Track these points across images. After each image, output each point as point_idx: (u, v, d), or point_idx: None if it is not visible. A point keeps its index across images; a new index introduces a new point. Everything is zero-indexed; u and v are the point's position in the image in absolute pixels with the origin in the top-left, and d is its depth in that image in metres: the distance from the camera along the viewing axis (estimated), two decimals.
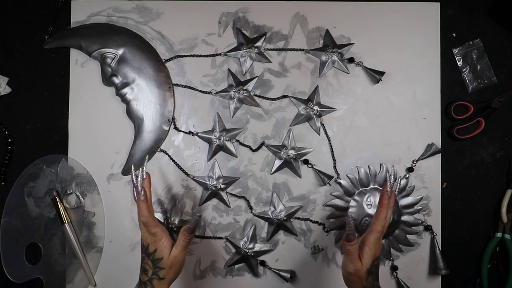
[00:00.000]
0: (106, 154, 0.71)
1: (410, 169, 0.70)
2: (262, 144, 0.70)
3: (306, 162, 0.69)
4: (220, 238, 0.70)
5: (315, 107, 0.70)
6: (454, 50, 0.71)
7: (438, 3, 0.71)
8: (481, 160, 0.71)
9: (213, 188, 0.69)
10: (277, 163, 0.70)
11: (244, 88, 0.70)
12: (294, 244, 0.70)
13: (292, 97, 0.70)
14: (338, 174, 0.70)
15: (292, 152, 0.69)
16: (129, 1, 0.71)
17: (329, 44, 0.70)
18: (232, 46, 0.71)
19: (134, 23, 0.71)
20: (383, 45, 0.71)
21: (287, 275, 0.68)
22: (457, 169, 0.71)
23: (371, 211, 0.69)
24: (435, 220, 0.70)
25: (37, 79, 0.72)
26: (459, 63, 0.71)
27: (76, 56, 0.71)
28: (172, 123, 0.71)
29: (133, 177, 0.56)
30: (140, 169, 0.56)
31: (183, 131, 0.71)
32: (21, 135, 0.71)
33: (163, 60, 0.71)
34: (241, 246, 0.69)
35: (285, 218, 0.69)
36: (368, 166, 0.70)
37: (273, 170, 0.70)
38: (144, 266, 0.56)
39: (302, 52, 0.71)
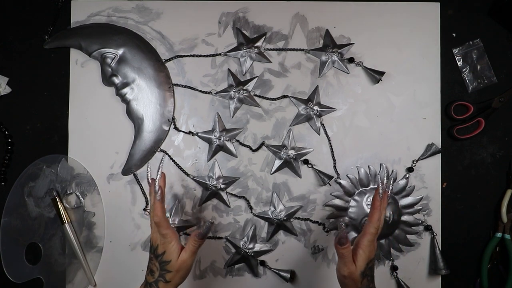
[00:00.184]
0: (106, 154, 0.71)
1: (410, 169, 0.70)
2: (262, 144, 0.70)
3: (306, 162, 0.69)
4: (220, 238, 0.70)
5: (315, 107, 0.70)
6: (454, 50, 0.71)
7: (438, 3, 0.71)
8: (481, 160, 0.71)
9: (213, 188, 0.69)
10: (277, 163, 0.70)
11: (244, 88, 0.70)
12: (294, 244, 0.70)
13: (292, 97, 0.70)
14: (338, 174, 0.70)
15: (292, 152, 0.69)
16: (129, 1, 0.71)
17: (329, 44, 0.70)
18: (232, 46, 0.71)
19: (134, 23, 0.71)
20: (383, 45, 0.71)
21: (287, 275, 0.68)
22: (457, 169, 0.71)
23: None
24: (435, 220, 0.70)
25: (37, 79, 0.72)
26: (459, 63, 0.71)
27: (76, 56, 0.71)
28: (172, 123, 0.71)
29: (149, 175, 0.57)
30: (157, 168, 0.57)
31: (183, 131, 0.71)
32: (21, 135, 0.71)
33: (163, 60, 0.71)
34: (241, 246, 0.69)
35: (285, 218, 0.69)
36: (368, 166, 0.70)
37: (273, 170, 0.70)
38: (151, 267, 0.55)
39: (302, 52, 0.71)
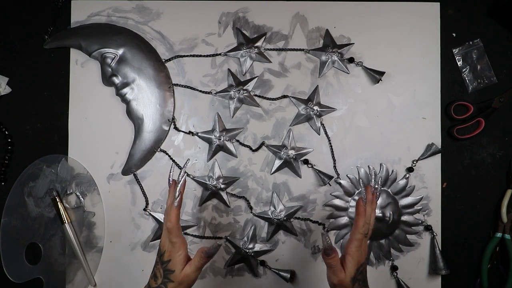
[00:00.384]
0: (106, 154, 0.71)
1: (410, 169, 0.70)
2: (262, 144, 0.70)
3: (306, 162, 0.69)
4: (220, 238, 0.70)
5: (315, 107, 0.70)
6: (454, 50, 0.71)
7: (438, 3, 0.71)
8: (481, 160, 0.71)
9: (213, 188, 0.69)
10: (277, 163, 0.70)
11: (244, 88, 0.70)
12: (294, 244, 0.70)
13: (292, 97, 0.70)
14: (338, 174, 0.70)
15: (292, 152, 0.69)
16: (129, 1, 0.71)
17: (329, 44, 0.70)
18: (232, 46, 0.71)
19: (134, 23, 0.71)
20: (383, 45, 0.71)
21: (287, 275, 0.68)
22: (457, 169, 0.71)
23: None
24: (435, 220, 0.70)
25: (37, 79, 0.72)
26: (459, 63, 0.71)
27: (76, 56, 0.71)
28: (172, 123, 0.71)
29: (170, 179, 0.55)
30: (181, 171, 0.54)
31: (183, 131, 0.71)
32: (21, 135, 0.71)
33: (163, 60, 0.71)
34: (241, 246, 0.69)
35: (285, 218, 0.69)
36: (368, 166, 0.70)
37: (273, 170, 0.70)
38: (156, 272, 0.54)
39: (302, 52, 0.71)
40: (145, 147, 0.70)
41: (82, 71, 0.71)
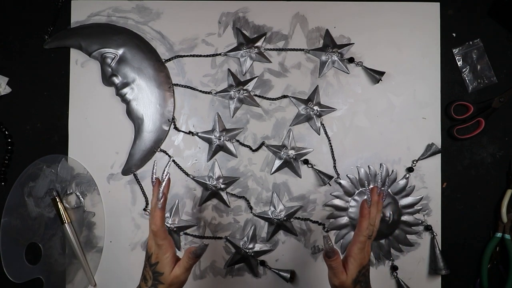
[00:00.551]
0: (106, 154, 0.71)
1: (410, 169, 0.70)
2: (262, 144, 0.70)
3: (306, 162, 0.69)
4: (220, 238, 0.70)
5: (315, 107, 0.70)
6: (454, 50, 0.71)
7: (438, 3, 0.71)
8: (481, 160, 0.71)
9: (213, 188, 0.69)
10: (277, 163, 0.70)
11: (244, 88, 0.70)
12: (294, 244, 0.70)
13: (292, 97, 0.70)
14: (338, 174, 0.70)
15: (292, 152, 0.69)
16: (129, 1, 0.71)
17: (329, 44, 0.70)
18: (232, 46, 0.71)
19: (134, 23, 0.71)
20: (383, 45, 0.71)
21: (287, 275, 0.68)
22: (457, 169, 0.71)
23: None
24: (435, 220, 0.70)
25: (37, 79, 0.72)
26: (459, 63, 0.71)
27: (76, 56, 0.71)
28: (172, 123, 0.71)
29: (153, 177, 0.53)
30: (164, 171, 0.53)
31: (183, 131, 0.71)
32: (21, 135, 0.71)
33: (163, 60, 0.71)
34: (241, 246, 0.69)
35: (285, 218, 0.69)
36: (368, 166, 0.70)
37: (273, 170, 0.70)
38: (145, 274, 0.54)
39: (302, 52, 0.71)
40: (145, 147, 0.70)
41: (82, 71, 0.71)
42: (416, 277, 0.70)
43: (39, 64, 0.72)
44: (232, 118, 0.71)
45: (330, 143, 0.70)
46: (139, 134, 0.70)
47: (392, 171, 0.70)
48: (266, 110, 0.71)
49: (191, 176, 0.70)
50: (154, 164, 0.55)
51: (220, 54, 0.71)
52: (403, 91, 0.71)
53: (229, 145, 0.70)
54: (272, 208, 0.69)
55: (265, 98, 0.71)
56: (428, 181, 0.70)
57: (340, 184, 0.70)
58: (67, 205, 0.70)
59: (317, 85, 0.70)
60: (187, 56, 0.71)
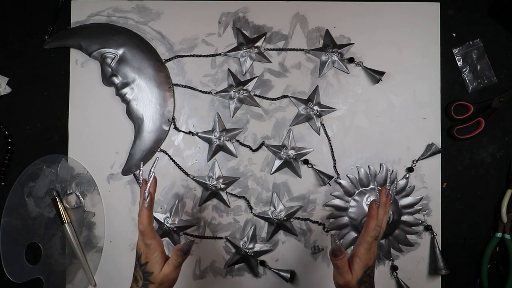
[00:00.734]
0: (106, 154, 0.71)
1: (410, 169, 0.70)
2: (262, 144, 0.70)
3: (306, 162, 0.69)
4: (220, 238, 0.70)
5: (315, 107, 0.70)
6: (454, 50, 0.71)
7: (438, 3, 0.71)
8: (481, 160, 0.71)
9: (213, 188, 0.69)
10: (277, 163, 0.70)
11: (244, 88, 0.70)
12: (294, 244, 0.70)
13: (292, 97, 0.70)
14: (338, 174, 0.70)
15: (292, 152, 0.69)
16: (129, 1, 0.71)
17: (329, 44, 0.70)
18: (232, 46, 0.71)
19: (134, 23, 0.71)
20: (383, 45, 0.71)
21: (287, 275, 0.68)
22: (457, 169, 0.71)
23: None
24: (435, 220, 0.70)
25: (37, 79, 0.72)
26: (459, 63, 0.71)
27: (76, 56, 0.71)
28: (172, 123, 0.71)
29: (140, 178, 0.54)
30: (150, 171, 0.53)
31: (183, 131, 0.71)
32: (21, 135, 0.71)
33: (163, 60, 0.71)
34: (241, 246, 0.69)
35: (285, 218, 0.69)
36: (368, 166, 0.70)
37: (273, 170, 0.70)
38: (136, 275, 0.54)
39: (302, 52, 0.71)
40: (145, 147, 0.70)
41: (82, 71, 0.71)
42: (416, 277, 0.70)
43: (39, 64, 0.72)
44: (232, 118, 0.71)
45: (330, 143, 0.70)
46: (139, 134, 0.70)
47: (392, 171, 0.70)
48: (266, 110, 0.71)
49: (191, 176, 0.70)
50: (140, 166, 0.56)
51: (220, 54, 0.71)
52: (403, 91, 0.71)
53: (229, 145, 0.70)
54: (272, 208, 0.69)
55: (265, 98, 0.71)
56: (428, 181, 0.70)
57: (340, 184, 0.70)
58: (67, 205, 0.70)
59: (317, 85, 0.70)
60: (187, 56, 0.71)
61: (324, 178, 0.69)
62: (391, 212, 0.68)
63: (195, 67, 0.71)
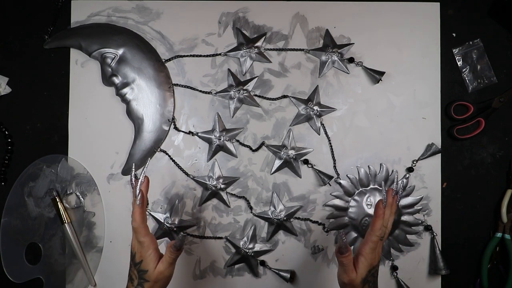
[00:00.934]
0: (106, 154, 0.71)
1: (410, 169, 0.70)
2: (262, 144, 0.70)
3: (306, 162, 0.69)
4: (220, 238, 0.70)
5: (315, 107, 0.70)
6: (454, 50, 0.71)
7: (438, 3, 0.71)
8: (481, 160, 0.71)
9: (213, 188, 0.69)
10: (277, 163, 0.70)
11: (244, 88, 0.70)
12: (294, 244, 0.70)
13: (292, 97, 0.70)
14: (338, 174, 0.70)
15: (292, 152, 0.69)
16: (129, 1, 0.71)
17: (329, 44, 0.70)
18: (232, 46, 0.71)
19: (134, 23, 0.71)
20: (383, 45, 0.71)
21: (287, 275, 0.68)
22: (457, 169, 0.71)
23: (371, 211, 0.69)
24: (435, 220, 0.70)
25: (37, 79, 0.72)
26: (459, 63, 0.71)
27: (76, 56, 0.71)
28: (172, 123, 0.71)
29: (132, 177, 0.55)
30: (141, 170, 0.55)
31: (183, 131, 0.71)
32: (21, 135, 0.71)
33: (163, 60, 0.71)
34: (241, 246, 0.69)
35: (285, 218, 0.69)
36: (368, 166, 0.70)
37: (273, 170, 0.70)
38: (131, 274, 0.55)
39: (302, 52, 0.71)
40: (145, 147, 0.70)
41: (82, 71, 0.71)
42: (416, 277, 0.70)
43: (39, 64, 0.72)
44: (232, 118, 0.71)
45: (330, 143, 0.70)
46: (139, 134, 0.70)
47: (392, 171, 0.70)
48: (266, 110, 0.71)
49: (191, 176, 0.70)
50: (132, 167, 0.56)
51: (220, 54, 0.71)
52: (403, 91, 0.71)
53: (229, 145, 0.70)
54: (272, 208, 0.69)
55: (265, 98, 0.71)
56: (428, 181, 0.70)
57: (340, 184, 0.70)
58: (67, 205, 0.70)
59: (317, 85, 0.70)
60: (187, 56, 0.71)
61: (324, 178, 0.69)
62: None
63: (195, 67, 0.71)
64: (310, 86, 0.71)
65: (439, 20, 0.71)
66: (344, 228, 0.70)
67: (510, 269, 0.69)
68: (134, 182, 0.55)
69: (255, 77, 0.71)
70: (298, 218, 0.70)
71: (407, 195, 0.70)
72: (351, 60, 0.70)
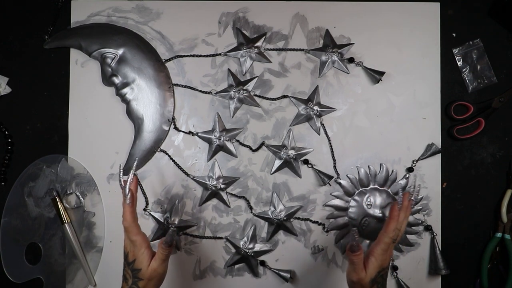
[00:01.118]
0: (106, 154, 0.71)
1: (410, 169, 0.70)
2: (262, 144, 0.70)
3: (306, 162, 0.69)
4: (220, 238, 0.70)
5: (315, 107, 0.70)
6: (454, 50, 0.71)
7: (438, 3, 0.71)
8: (481, 160, 0.71)
9: (213, 188, 0.69)
10: (277, 163, 0.70)
11: (244, 88, 0.70)
12: (294, 244, 0.70)
13: (292, 97, 0.70)
14: (338, 174, 0.70)
15: (292, 152, 0.69)
16: (129, 1, 0.71)
17: (329, 44, 0.70)
18: (232, 46, 0.71)
19: (134, 23, 0.71)
20: (383, 45, 0.71)
21: (287, 275, 0.68)
22: (457, 169, 0.71)
23: (371, 211, 0.69)
24: (435, 220, 0.70)
25: (37, 79, 0.72)
26: (459, 63, 0.71)
27: (76, 56, 0.71)
28: (172, 123, 0.71)
29: (121, 178, 0.55)
30: (131, 172, 0.55)
31: (183, 131, 0.71)
32: (21, 135, 0.71)
33: (163, 60, 0.71)
34: (241, 246, 0.69)
35: (285, 218, 0.69)
36: (368, 166, 0.70)
37: (273, 170, 0.70)
38: (125, 274, 0.55)
39: (302, 52, 0.71)
40: (145, 147, 0.70)
41: (82, 71, 0.71)
42: (416, 277, 0.70)
43: (39, 64, 0.72)
44: (232, 118, 0.71)
45: (330, 143, 0.70)
46: (139, 134, 0.70)
47: (392, 171, 0.70)
48: (266, 110, 0.71)
49: (191, 176, 0.70)
50: (119, 168, 0.56)
51: (220, 54, 0.71)
52: (403, 91, 0.71)
53: (229, 145, 0.70)
54: (272, 208, 0.69)
55: (265, 98, 0.71)
56: (428, 181, 0.70)
57: (340, 184, 0.70)
58: (67, 205, 0.70)
59: (317, 85, 0.70)
60: (187, 56, 0.71)
61: (324, 178, 0.69)
62: None
63: (195, 67, 0.71)
64: (310, 86, 0.71)
65: (439, 20, 0.71)
66: (343, 228, 0.70)
67: (510, 269, 0.69)
68: (123, 183, 0.55)
69: (255, 77, 0.71)
70: (298, 218, 0.70)
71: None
72: (351, 60, 0.70)
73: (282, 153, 0.69)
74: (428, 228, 0.70)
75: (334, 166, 0.70)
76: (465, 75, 0.71)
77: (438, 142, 0.70)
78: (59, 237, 0.70)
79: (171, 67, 0.71)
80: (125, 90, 0.69)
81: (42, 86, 0.71)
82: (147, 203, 0.70)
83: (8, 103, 0.71)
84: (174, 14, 0.71)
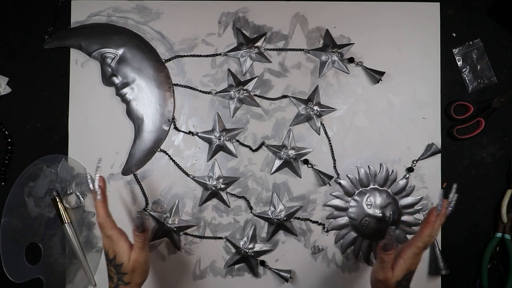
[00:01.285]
0: (106, 154, 0.71)
1: (410, 169, 0.70)
2: (262, 144, 0.70)
3: (306, 162, 0.69)
4: (220, 238, 0.70)
5: (315, 107, 0.70)
6: (454, 50, 0.71)
7: (438, 3, 0.71)
8: (481, 160, 0.71)
9: (213, 188, 0.69)
10: (277, 163, 0.70)
11: (244, 88, 0.70)
12: (294, 244, 0.70)
13: (292, 97, 0.70)
14: (338, 174, 0.70)
15: (292, 152, 0.69)
16: (129, 1, 0.71)
17: (329, 44, 0.70)
18: (232, 46, 0.71)
19: (134, 23, 0.71)
20: (383, 45, 0.71)
21: (287, 275, 0.68)
22: (457, 169, 0.71)
23: (371, 211, 0.69)
24: None
25: (37, 79, 0.72)
26: (459, 63, 0.71)
27: (76, 56, 0.71)
28: (172, 123, 0.71)
29: (89, 180, 0.56)
30: (96, 171, 0.56)
31: (183, 131, 0.71)
32: (21, 135, 0.71)
33: (163, 60, 0.71)
34: (241, 246, 0.69)
35: (285, 218, 0.69)
36: (368, 166, 0.70)
37: (273, 170, 0.70)
38: (109, 273, 0.55)
39: (302, 52, 0.71)
40: (145, 147, 0.70)
41: (82, 71, 0.71)
42: (416, 277, 0.69)
43: (39, 64, 0.72)
44: (232, 118, 0.71)
45: (330, 143, 0.70)
46: (139, 134, 0.70)
47: (392, 171, 0.70)
48: (266, 110, 0.71)
49: (191, 176, 0.70)
50: (86, 175, 0.57)
51: (220, 54, 0.71)
52: (403, 91, 0.71)
53: (229, 145, 0.70)
54: (272, 208, 0.69)
55: (265, 98, 0.71)
56: (428, 181, 0.70)
57: (340, 184, 0.70)
58: (67, 205, 0.70)
59: (317, 85, 0.70)
60: (187, 56, 0.71)
61: (324, 178, 0.69)
62: (391, 212, 0.68)
63: (195, 67, 0.71)
64: (310, 86, 0.71)
65: (439, 20, 0.71)
66: (343, 228, 0.70)
67: (510, 269, 0.69)
68: (92, 185, 0.55)
69: (255, 77, 0.71)
70: (298, 218, 0.70)
71: (407, 195, 0.69)
72: (351, 60, 0.70)
73: (282, 153, 0.69)
74: None
75: (334, 166, 0.70)
76: (465, 75, 0.71)
77: (438, 142, 0.70)
78: (59, 237, 0.70)
79: (171, 67, 0.71)
80: (125, 90, 0.69)
81: (42, 86, 0.71)
82: (147, 203, 0.70)
83: (8, 103, 0.71)
84: (174, 14, 0.71)
